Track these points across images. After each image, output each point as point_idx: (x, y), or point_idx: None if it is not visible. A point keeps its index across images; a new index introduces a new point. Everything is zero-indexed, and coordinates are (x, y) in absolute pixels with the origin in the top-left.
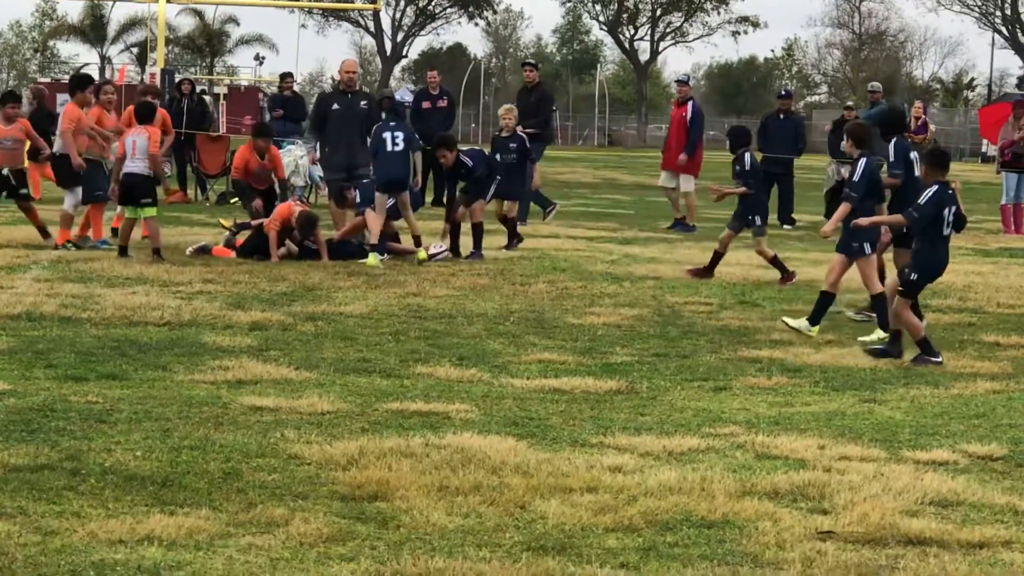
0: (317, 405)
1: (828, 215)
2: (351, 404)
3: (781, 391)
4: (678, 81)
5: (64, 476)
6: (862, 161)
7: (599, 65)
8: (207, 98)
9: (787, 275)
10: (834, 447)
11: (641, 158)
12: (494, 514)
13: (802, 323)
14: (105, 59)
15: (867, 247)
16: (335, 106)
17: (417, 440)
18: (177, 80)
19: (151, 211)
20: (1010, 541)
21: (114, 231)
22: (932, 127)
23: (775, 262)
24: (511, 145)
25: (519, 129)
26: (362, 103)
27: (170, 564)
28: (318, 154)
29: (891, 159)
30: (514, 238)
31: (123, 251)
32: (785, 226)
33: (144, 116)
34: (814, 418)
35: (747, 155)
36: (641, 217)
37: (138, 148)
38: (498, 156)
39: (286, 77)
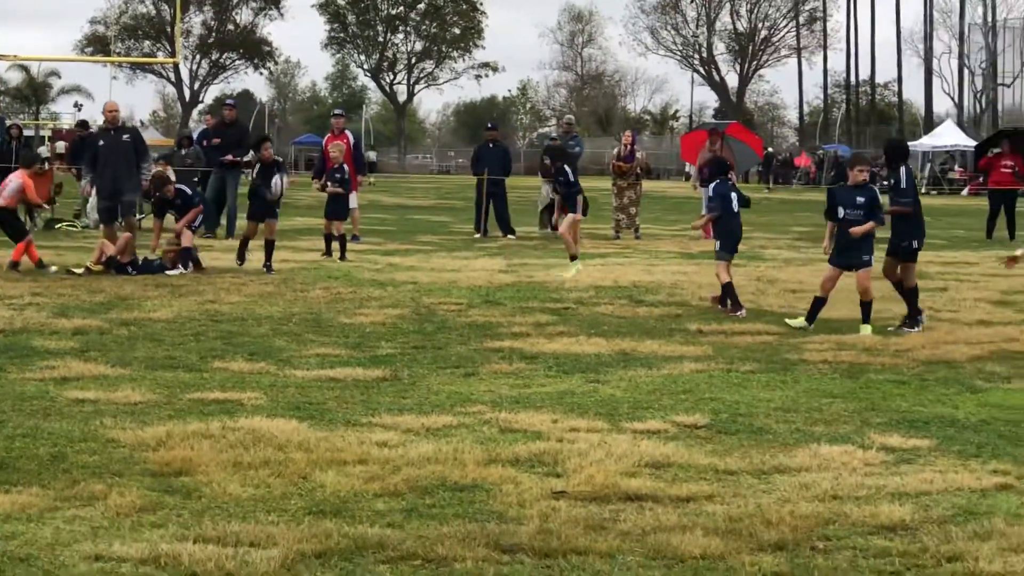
0: (131, 396)
1: (546, 225)
2: (159, 395)
3: (521, 375)
4: (335, 114)
5: None
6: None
7: (365, 106)
8: (58, 144)
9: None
10: (565, 421)
11: (401, 183)
12: (280, 484)
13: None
14: None
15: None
16: (101, 142)
17: (215, 424)
18: (8, 125)
19: None
20: (712, 495)
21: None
22: (639, 154)
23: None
24: (336, 175)
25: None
26: (124, 137)
27: (5, 535)
28: (91, 187)
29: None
30: (344, 251)
31: None
32: (508, 236)
33: None
34: (548, 397)
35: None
36: (401, 232)
37: None
38: (328, 184)
39: (83, 125)
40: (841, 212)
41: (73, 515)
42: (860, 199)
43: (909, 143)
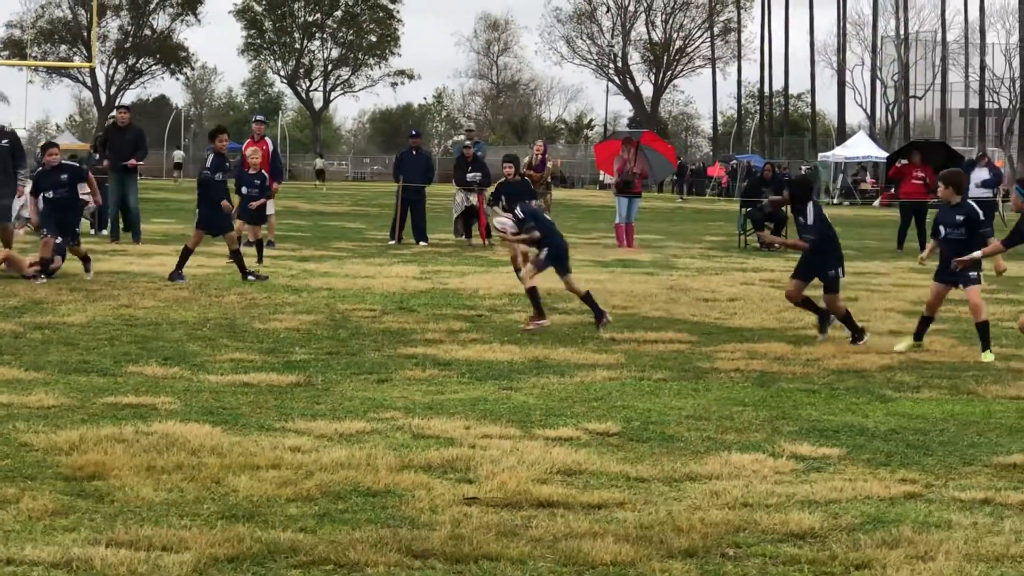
0: (44, 400)
1: (460, 233)
2: (73, 399)
3: (434, 382)
4: (256, 120)
5: None
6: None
7: (281, 112)
8: None
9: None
10: (478, 427)
11: (316, 190)
12: (194, 489)
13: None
14: None
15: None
16: None
17: (129, 428)
18: None
19: None
20: (623, 502)
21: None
22: (550, 163)
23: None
24: (255, 181)
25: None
26: (3, 142)
27: None
28: None
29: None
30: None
31: None
32: (421, 243)
33: None
34: (461, 404)
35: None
36: (316, 239)
37: None
38: (244, 189)
39: None
40: (942, 231)
41: None
42: (959, 217)
43: (821, 154)
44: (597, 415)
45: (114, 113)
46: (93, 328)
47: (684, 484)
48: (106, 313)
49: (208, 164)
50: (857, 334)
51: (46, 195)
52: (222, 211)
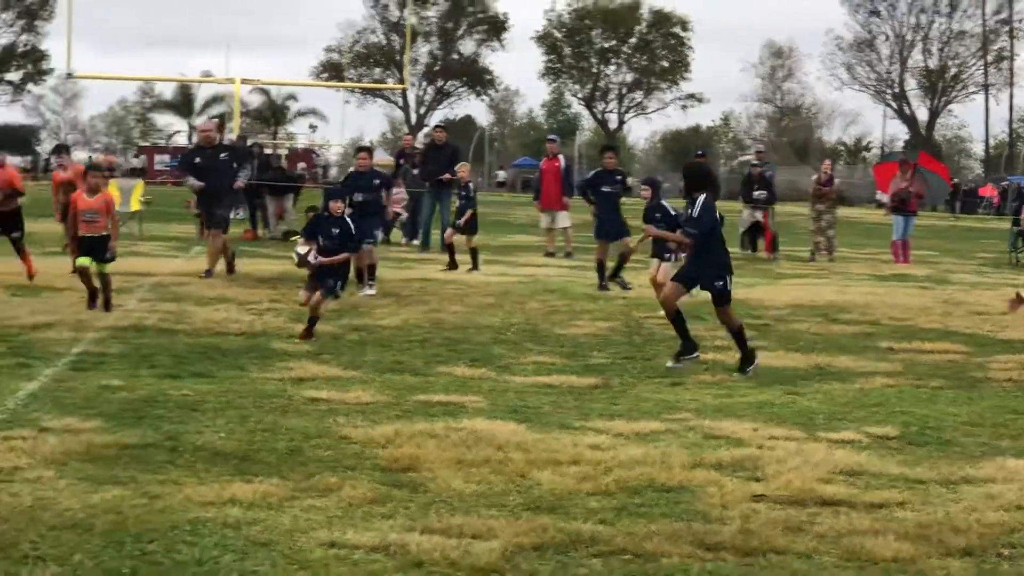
0: (361, 397)
1: (747, 247)
2: (388, 396)
3: (723, 386)
4: (550, 139)
5: (165, 453)
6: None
7: (577, 132)
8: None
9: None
10: (765, 429)
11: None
12: (500, 482)
13: None
14: (192, 128)
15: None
16: (197, 159)
17: (440, 424)
18: (249, 144)
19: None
20: (903, 502)
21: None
22: (837, 180)
23: None
24: (462, 193)
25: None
26: (222, 156)
27: (248, 521)
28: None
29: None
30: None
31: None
32: None
33: None
34: (749, 407)
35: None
36: (615, 250)
37: None
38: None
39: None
40: None
41: (309, 505)
42: None
43: None
44: (877, 420)
45: (428, 130)
46: (405, 331)
47: (961, 486)
48: (417, 317)
49: (596, 178)
50: (745, 358)
51: (355, 198)
52: (616, 220)
